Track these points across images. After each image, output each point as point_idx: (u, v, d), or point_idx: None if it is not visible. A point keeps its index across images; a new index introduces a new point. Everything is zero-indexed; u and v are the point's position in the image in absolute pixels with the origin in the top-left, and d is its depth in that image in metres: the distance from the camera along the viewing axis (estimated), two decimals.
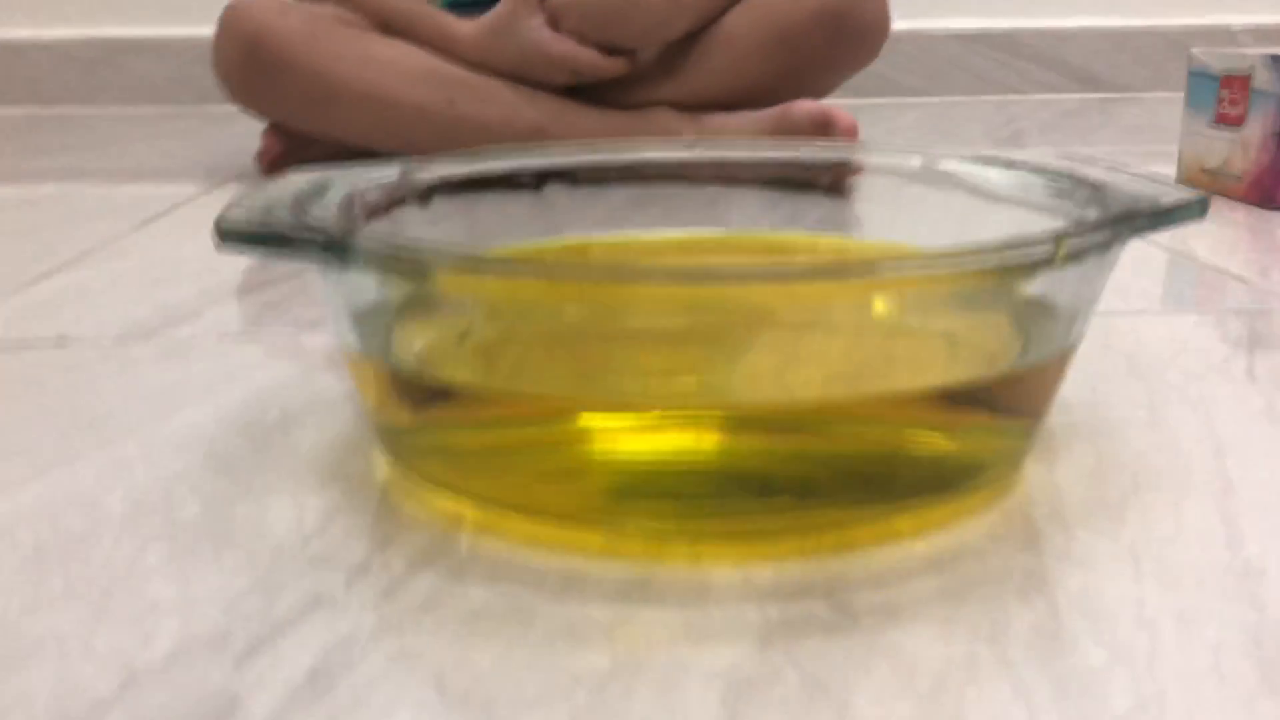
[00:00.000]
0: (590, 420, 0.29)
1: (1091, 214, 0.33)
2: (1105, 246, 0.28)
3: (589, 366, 0.30)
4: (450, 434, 0.31)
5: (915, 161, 0.42)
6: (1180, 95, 0.83)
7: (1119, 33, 1.50)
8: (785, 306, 0.28)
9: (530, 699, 0.23)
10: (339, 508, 0.31)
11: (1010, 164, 0.39)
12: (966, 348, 0.32)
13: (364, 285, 0.29)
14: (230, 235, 0.28)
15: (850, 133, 0.82)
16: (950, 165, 0.41)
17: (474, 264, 0.26)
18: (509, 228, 0.44)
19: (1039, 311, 0.30)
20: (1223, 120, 0.77)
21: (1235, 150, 0.76)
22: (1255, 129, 0.74)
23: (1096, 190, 0.34)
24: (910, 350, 0.32)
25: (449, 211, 0.42)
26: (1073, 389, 0.40)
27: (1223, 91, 0.77)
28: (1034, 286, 0.29)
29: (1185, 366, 0.42)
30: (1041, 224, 0.36)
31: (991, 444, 0.31)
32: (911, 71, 1.50)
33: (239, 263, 0.61)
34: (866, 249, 0.44)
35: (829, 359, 0.31)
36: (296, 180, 0.35)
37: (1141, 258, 0.59)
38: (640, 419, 0.28)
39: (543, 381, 0.30)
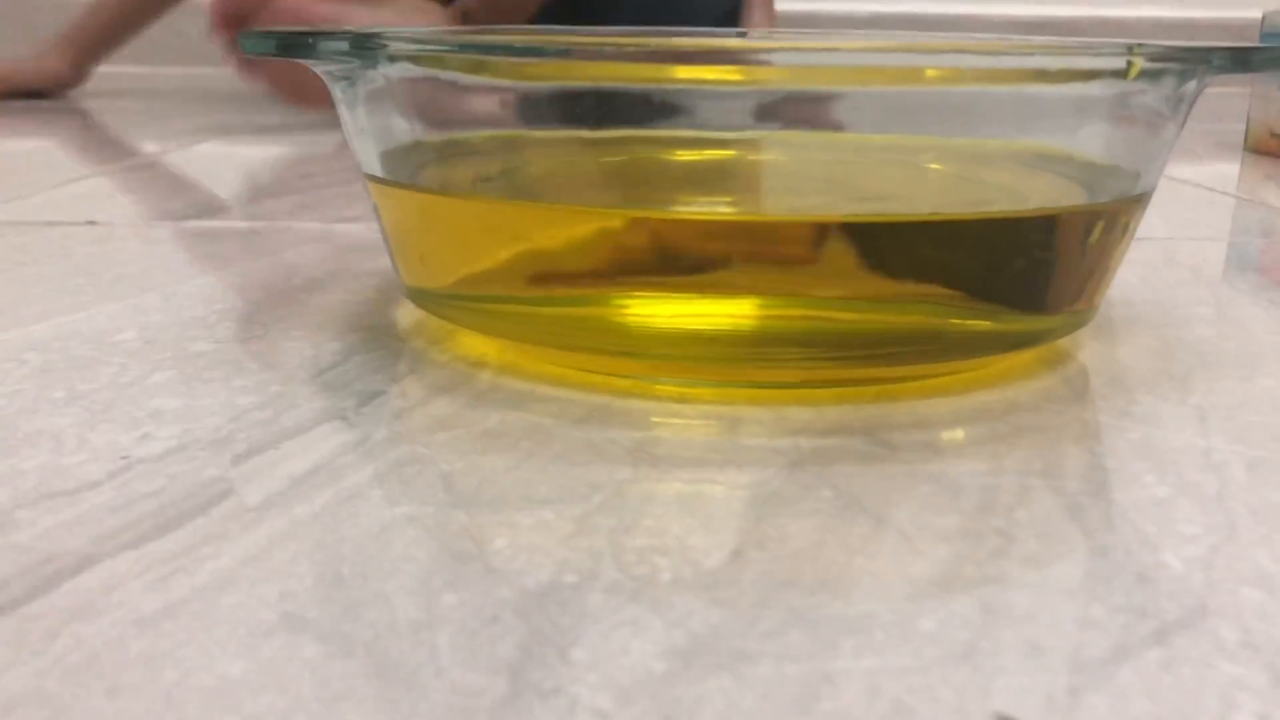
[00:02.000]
0: (616, 239, 0.27)
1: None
2: (1180, 75, 0.26)
3: (629, 191, 0.28)
4: (482, 269, 0.29)
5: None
6: (1247, 91, 0.80)
7: (1184, 24, 1.47)
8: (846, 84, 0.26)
9: (542, 498, 0.21)
10: (357, 349, 0.30)
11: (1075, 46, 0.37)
12: (1030, 202, 0.30)
13: (391, 95, 0.28)
14: (253, 38, 0.27)
15: None
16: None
17: (514, 50, 0.25)
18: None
19: (1104, 170, 0.28)
20: None
21: None
22: None
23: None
24: (972, 194, 0.30)
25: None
26: (1134, 290, 0.38)
27: None
28: (1101, 119, 0.27)
29: (1255, 280, 0.40)
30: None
31: (1049, 298, 0.29)
32: None
33: (277, 170, 0.60)
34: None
35: (881, 194, 0.29)
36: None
37: (1208, 200, 0.57)
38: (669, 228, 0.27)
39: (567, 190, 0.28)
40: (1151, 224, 0.49)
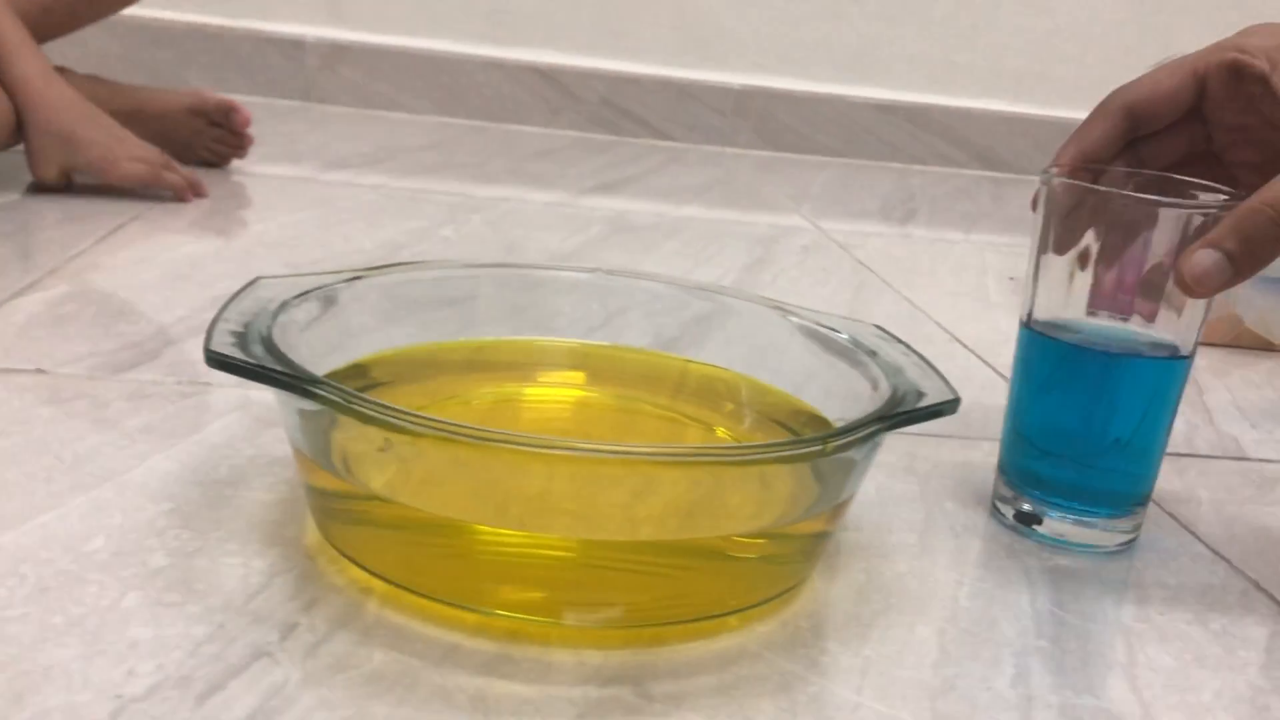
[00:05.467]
0: (475, 535, 0.38)
1: (874, 381, 0.43)
2: (865, 440, 0.38)
3: (478, 485, 0.39)
4: (362, 524, 0.40)
5: (775, 313, 0.51)
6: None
7: (1019, 118, 1.63)
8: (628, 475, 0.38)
9: None
10: (277, 569, 0.40)
11: (838, 329, 0.49)
12: (776, 484, 0.42)
13: (314, 408, 0.38)
14: (216, 361, 0.37)
15: (246, 123, 1.09)
16: (797, 319, 0.51)
17: (402, 421, 0.35)
18: (434, 325, 0.53)
19: (830, 467, 0.40)
20: None
21: None
22: None
23: (886, 371, 0.44)
24: (730, 490, 0.41)
25: (384, 306, 0.51)
26: (869, 509, 0.50)
27: None
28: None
29: (963, 495, 0.53)
30: (841, 371, 0.47)
31: (786, 567, 0.41)
32: (829, 133, 1.61)
33: (192, 301, 0.69)
34: (721, 380, 0.53)
35: (667, 498, 0.40)
36: (269, 292, 0.44)
37: (963, 372, 0.70)
38: (514, 538, 0.38)
39: (438, 497, 0.39)
40: None
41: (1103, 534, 0.49)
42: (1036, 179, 0.49)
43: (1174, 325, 0.47)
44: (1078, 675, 0.39)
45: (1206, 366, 0.80)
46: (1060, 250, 0.47)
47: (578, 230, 1.02)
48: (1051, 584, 0.46)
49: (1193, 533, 0.52)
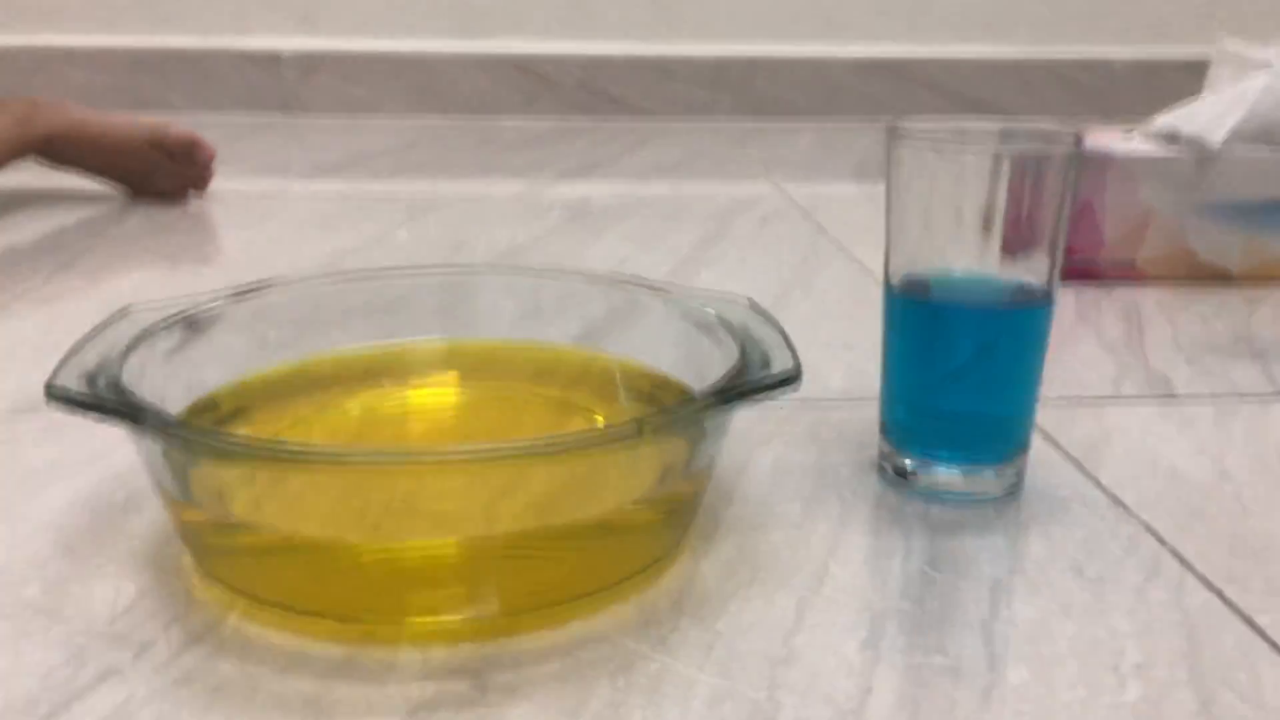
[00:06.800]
0: (349, 551, 0.39)
1: (729, 357, 0.44)
2: (694, 416, 0.38)
3: (344, 499, 0.40)
4: (234, 553, 0.41)
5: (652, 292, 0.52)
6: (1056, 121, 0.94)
7: (1005, 62, 1.61)
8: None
9: None
10: (147, 590, 0.41)
11: (710, 301, 0.49)
12: (642, 464, 0.42)
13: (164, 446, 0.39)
14: (57, 398, 0.38)
15: (209, 159, 1.08)
16: (673, 299, 0.51)
17: (223, 451, 0.36)
18: (298, 339, 0.53)
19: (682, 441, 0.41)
20: None
21: None
22: None
23: (741, 341, 0.44)
24: (593, 475, 0.42)
25: (254, 323, 0.52)
26: (757, 483, 0.50)
27: None
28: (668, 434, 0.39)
29: (861, 460, 0.53)
30: (705, 349, 0.47)
31: (651, 542, 0.42)
32: (811, 95, 1.60)
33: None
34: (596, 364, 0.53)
35: (534, 488, 0.40)
36: (134, 321, 0.45)
37: None
38: (376, 551, 0.39)
39: (309, 518, 0.40)
40: (828, 383, 0.62)
41: (980, 482, 0.48)
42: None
43: (1031, 269, 0.47)
44: (932, 634, 0.40)
45: (1157, 304, 0.79)
46: (912, 203, 0.47)
47: (534, 220, 1.02)
48: (929, 542, 0.46)
49: (1094, 478, 0.52)
